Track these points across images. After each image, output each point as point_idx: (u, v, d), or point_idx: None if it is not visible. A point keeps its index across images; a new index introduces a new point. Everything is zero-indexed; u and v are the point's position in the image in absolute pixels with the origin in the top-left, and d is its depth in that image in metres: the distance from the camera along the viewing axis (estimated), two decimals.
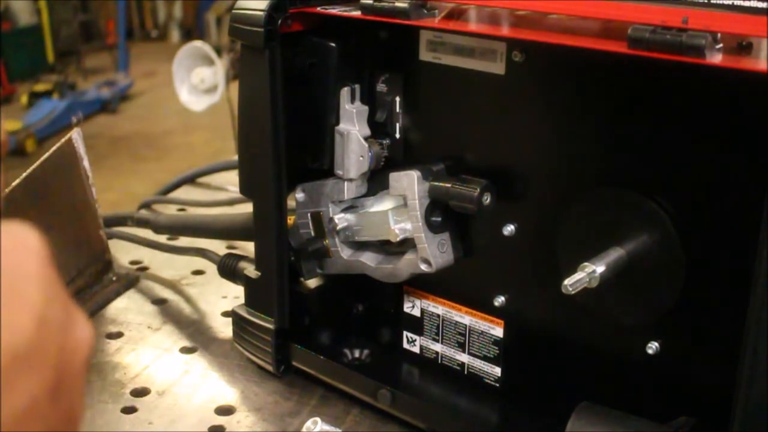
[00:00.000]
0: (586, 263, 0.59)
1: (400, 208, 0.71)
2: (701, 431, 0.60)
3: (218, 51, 2.82)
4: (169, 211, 1.21)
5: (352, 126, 0.74)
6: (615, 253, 0.60)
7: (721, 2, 0.55)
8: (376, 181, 0.76)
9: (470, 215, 0.68)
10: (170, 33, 7.41)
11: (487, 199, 0.66)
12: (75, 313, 0.32)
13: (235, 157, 1.13)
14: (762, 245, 0.48)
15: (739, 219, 0.56)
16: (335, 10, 0.70)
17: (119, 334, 0.90)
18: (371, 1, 0.66)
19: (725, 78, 0.52)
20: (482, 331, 0.74)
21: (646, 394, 0.64)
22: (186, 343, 0.89)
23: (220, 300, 0.98)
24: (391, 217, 0.72)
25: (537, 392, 0.71)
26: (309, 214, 0.78)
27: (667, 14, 0.53)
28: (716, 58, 0.50)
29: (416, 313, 0.79)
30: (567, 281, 0.58)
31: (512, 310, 0.71)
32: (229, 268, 0.87)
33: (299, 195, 0.78)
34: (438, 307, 0.77)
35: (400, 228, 0.70)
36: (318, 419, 0.68)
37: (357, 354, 0.81)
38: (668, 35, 0.50)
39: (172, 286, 1.02)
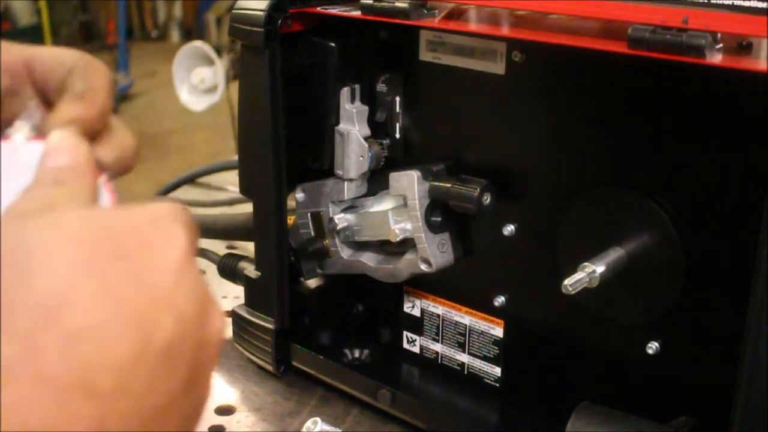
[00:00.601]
0: (586, 263, 0.59)
1: (400, 208, 0.71)
2: (701, 431, 0.60)
3: (218, 51, 2.82)
4: None
5: (352, 126, 0.74)
6: (615, 253, 0.60)
7: (721, 2, 0.55)
8: (376, 181, 0.76)
9: (470, 215, 0.68)
10: (170, 33, 7.41)
11: (487, 199, 0.66)
12: (211, 304, 0.32)
13: (235, 157, 1.13)
14: (762, 245, 0.48)
15: (739, 219, 0.56)
16: (335, 10, 0.70)
17: None
18: (371, 1, 0.66)
19: (725, 78, 0.52)
20: (482, 331, 0.74)
21: (646, 394, 0.64)
22: None
23: (220, 300, 0.97)
24: (391, 217, 0.72)
25: (537, 392, 0.71)
26: (309, 214, 0.78)
27: (667, 14, 0.53)
28: (716, 58, 0.50)
29: (416, 313, 0.79)
30: (567, 281, 0.58)
31: (512, 310, 0.71)
32: (229, 268, 0.87)
33: (299, 195, 0.78)
34: (438, 307, 0.77)
35: (400, 228, 0.70)
36: (318, 419, 0.68)
37: (357, 354, 0.81)
38: (668, 35, 0.50)
39: None
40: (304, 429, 0.68)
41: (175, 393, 0.29)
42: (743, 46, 0.51)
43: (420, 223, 0.69)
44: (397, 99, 0.73)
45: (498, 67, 0.66)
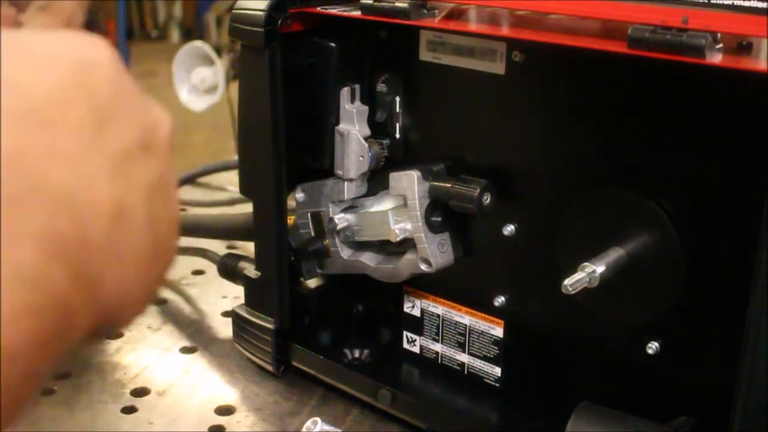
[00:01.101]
0: (586, 263, 0.59)
1: (400, 208, 0.71)
2: (701, 431, 0.60)
3: (218, 51, 2.81)
4: None
5: (352, 126, 0.74)
6: (615, 253, 0.60)
7: (721, 2, 0.55)
8: (376, 181, 0.76)
9: (470, 215, 0.68)
10: (170, 33, 7.41)
11: (487, 199, 0.66)
12: (151, 101, 0.34)
13: (235, 157, 1.13)
14: (762, 245, 0.48)
15: (739, 219, 0.56)
16: (335, 10, 0.70)
17: (119, 334, 0.90)
18: (371, 1, 0.66)
19: (725, 78, 0.52)
20: (482, 331, 0.74)
21: (646, 394, 0.64)
22: (186, 343, 0.89)
23: (220, 300, 0.97)
24: (391, 217, 0.72)
25: (537, 392, 0.71)
26: (309, 214, 0.78)
27: (667, 14, 0.53)
28: (716, 58, 0.50)
29: (416, 313, 0.79)
30: (567, 281, 0.58)
31: (512, 310, 0.71)
32: (229, 268, 0.87)
33: (299, 195, 0.78)
34: (438, 307, 0.77)
35: (400, 228, 0.70)
36: (318, 419, 0.68)
37: (357, 354, 0.81)
38: (668, 35, 0.50)
39: (172, 286, 1.02)
40: (304, 429, 0.68)
41: (133, 150, 0.31)
42: (743, 46, 0.51)
43: (420, 223, 0.69)
44: (397, 99, 0.73)
45: (498, 67, 0.66)
